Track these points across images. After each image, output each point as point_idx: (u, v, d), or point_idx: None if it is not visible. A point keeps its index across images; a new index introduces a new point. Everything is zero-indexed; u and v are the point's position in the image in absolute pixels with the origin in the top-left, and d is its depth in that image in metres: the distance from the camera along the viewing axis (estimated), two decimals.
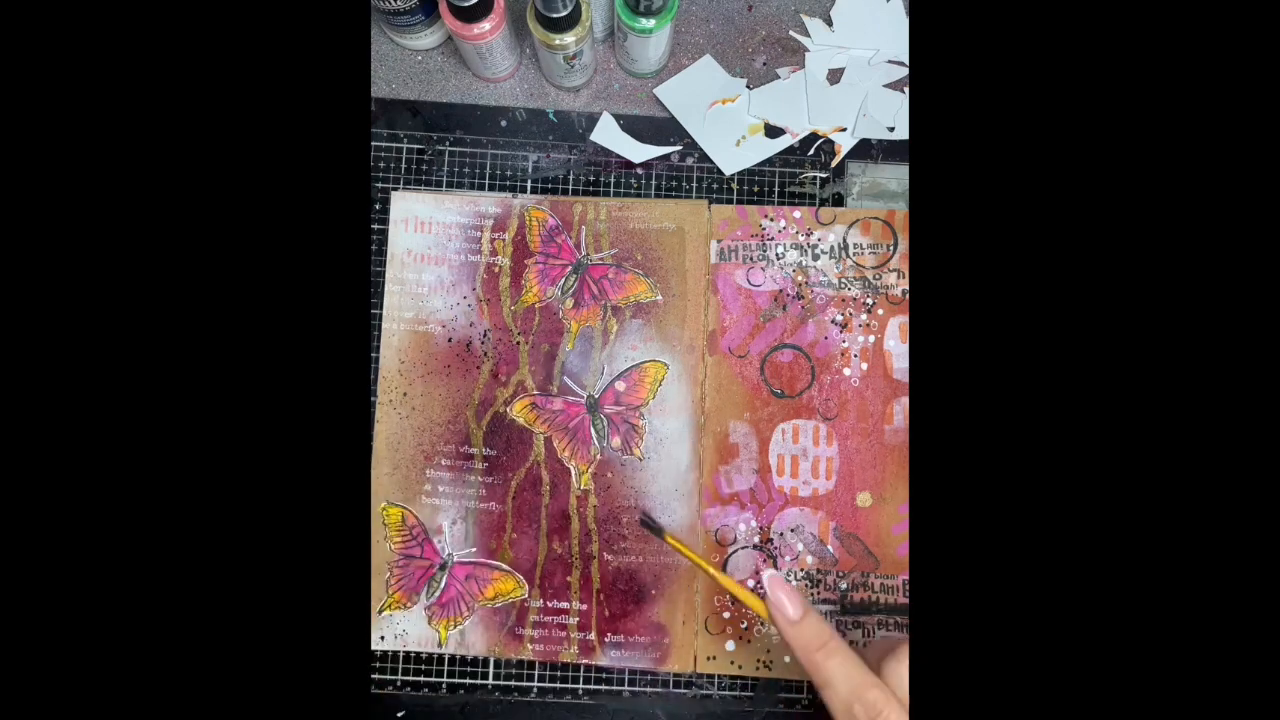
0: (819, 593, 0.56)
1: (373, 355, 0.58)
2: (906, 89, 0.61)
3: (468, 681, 0.57)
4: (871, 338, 0.58)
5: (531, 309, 0.59)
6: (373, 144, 0.60)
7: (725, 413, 0.58)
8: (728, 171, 0.60)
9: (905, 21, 0.61)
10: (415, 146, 0.61)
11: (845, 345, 0.58)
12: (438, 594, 0.57)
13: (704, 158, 0.60)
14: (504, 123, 0.61)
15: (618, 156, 0.61)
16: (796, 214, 0.59)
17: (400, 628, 0.56)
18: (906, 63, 0.61)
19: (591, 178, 0.60)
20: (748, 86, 0.61)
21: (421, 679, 0.57)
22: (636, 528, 0.57)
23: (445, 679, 0.57)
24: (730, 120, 0.60)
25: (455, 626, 0.56)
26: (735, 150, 0.60)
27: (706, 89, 0.61)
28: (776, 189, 0.60)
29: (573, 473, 0.57)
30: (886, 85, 0.61)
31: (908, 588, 0.57)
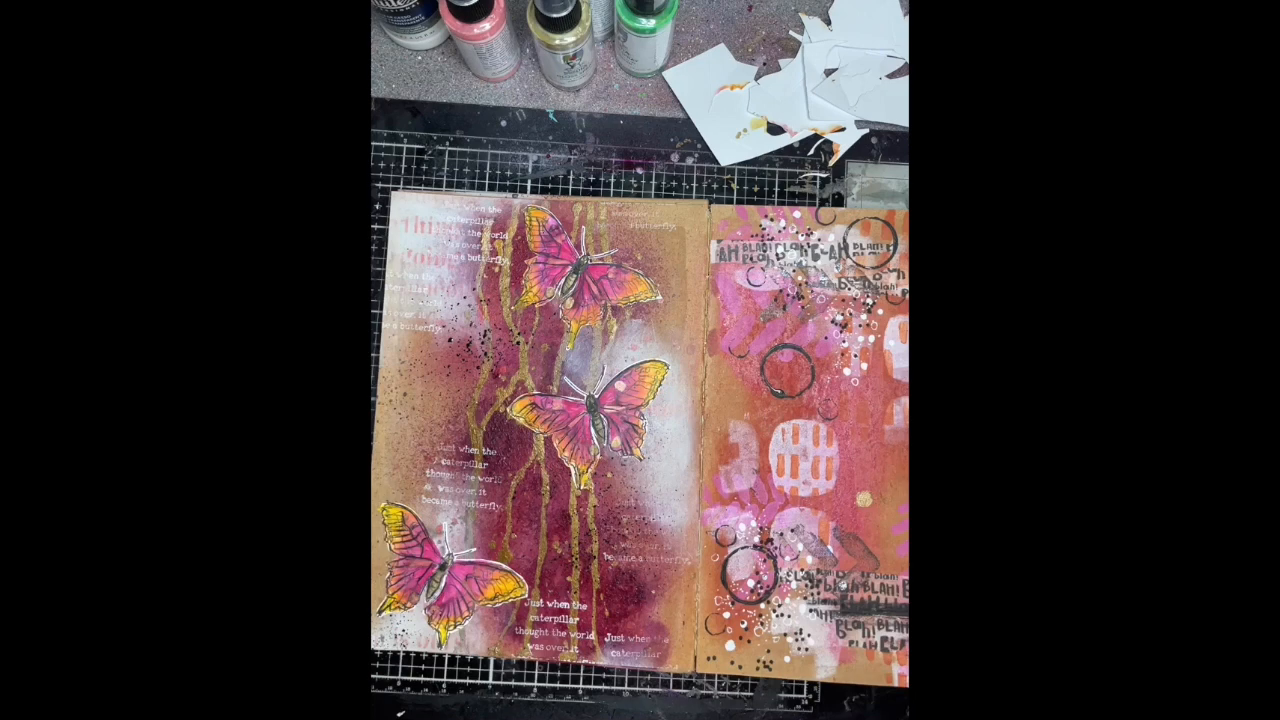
0: (819, 593, 0.56)
1: (373, 355, 0.58)
2: (904, 80, 0.61)
3: (468, 681, 0.57)
4: (871, 338, 0.58)
5: (531, 309, 0.59)
6: (373, 144, 0.60)
7: (725, 413, 0.58)
8: (724, 162, 0.60)
9: (902, 20, 0.61)
10: (415, 146, 0.61)
11: (845, 345, 0.58)
12: (438, 594, 0.57)
13: (704, 158, 0.60)
14: (504, 123, 0.61)
15: (618, 156, 0.61)
16: (796, 214, 0.59)
17: (400, 628, 0.56)
18: (904, 59, 0.61)
19: (591, 178, 0.60)
20: (756, 77, 0.61)
21: (421, 679, 0.57)
22: (636, 528, 0.57)
23: (445, 679, 0.57)
24: (734, 112, 0.61)
25: (455, 626, 0.56)
26: (735, 142, 0.60)
27: (716, 75, 0.61)
28: (776, 189, 0.60)
29: (573, 473, 0.57)
30: (884, 77, 0.61)
31: (908, 588, 0.57)
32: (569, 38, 0.54)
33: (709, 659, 0.56)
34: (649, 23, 0.54)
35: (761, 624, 0.56)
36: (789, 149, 0.61)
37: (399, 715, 0.56)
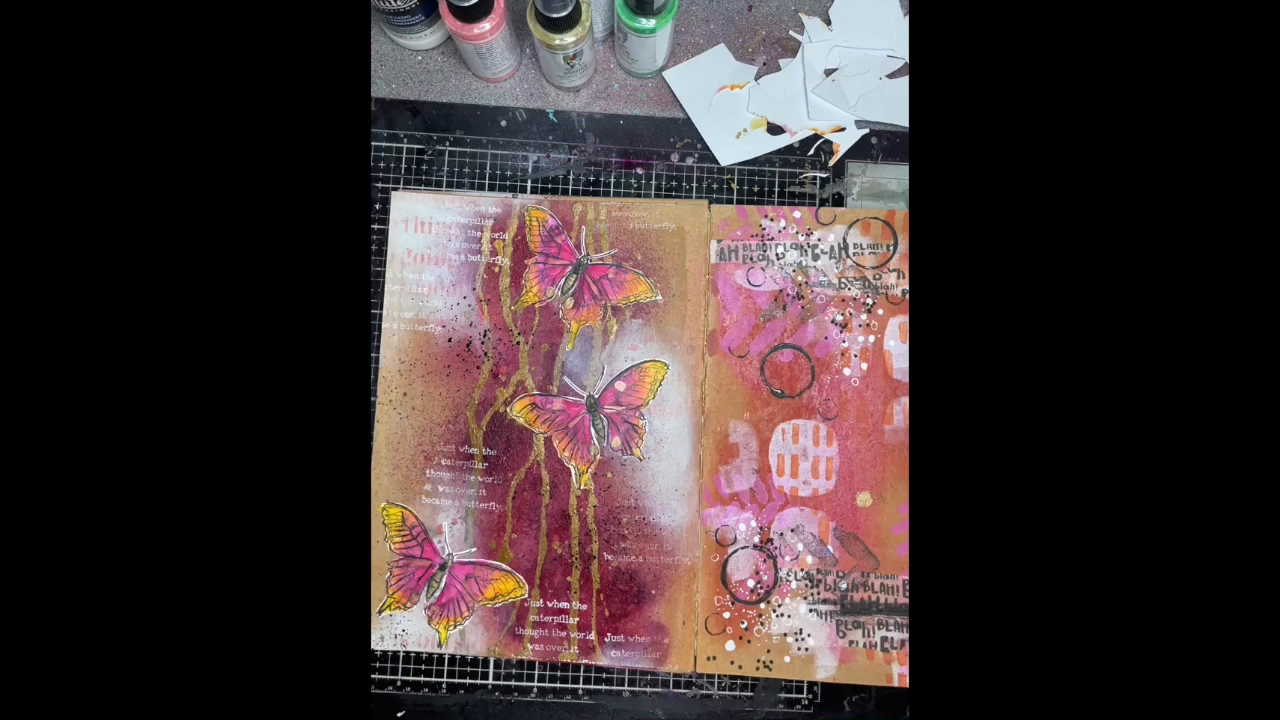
0: (819, 593, 0.56)
1: (373, 355, 0.58)
2: (904, 80, 0.61)
3: (468, 681, 0.57)
4: (871, 338, 0.58)
5: (531, 309, 0.59)
6: (373, 144, 0.60)
7: (725, 413, 0.58)
8: (724, 162, 0.60)
9: (902, 20, 0.61)
10: (415, 146, 0.61)
11: (845, 345, 0.58)
12: (438, 594, 0.57)
13: (704, 158, 0.61)
14: (504, 123, 0.61)
15: (618, 156, 0.61)
16: (796, 214, 0.59)
17: (400, 628, 0.56)
18: (904, 59, 0.61)
19: (591, 178, 0.60)
20: (756, 77, 0.61)
21: (421, 679, 0.57)
22: (636, 527, 0.57)
23: (445, 679, 0.57)
24: (734, 112, 0.61)
25: (455, 626, 0.56)
26: (735, 142, 0.60)
27: (716, 75, 0.61)
28: (776, 189, 0.60)
29: (573, 473, 0.57)
30: (884, 77, 0.61)
31: (908, 588, 0.57)
32: (569, 38, 0.54)
33: (709, 659, 0.56)
34: (649, 23, 0.54)
35: (761, 624, 0.56)
36: (789, 149, 0.61)
37: (399, 715, 0.56)
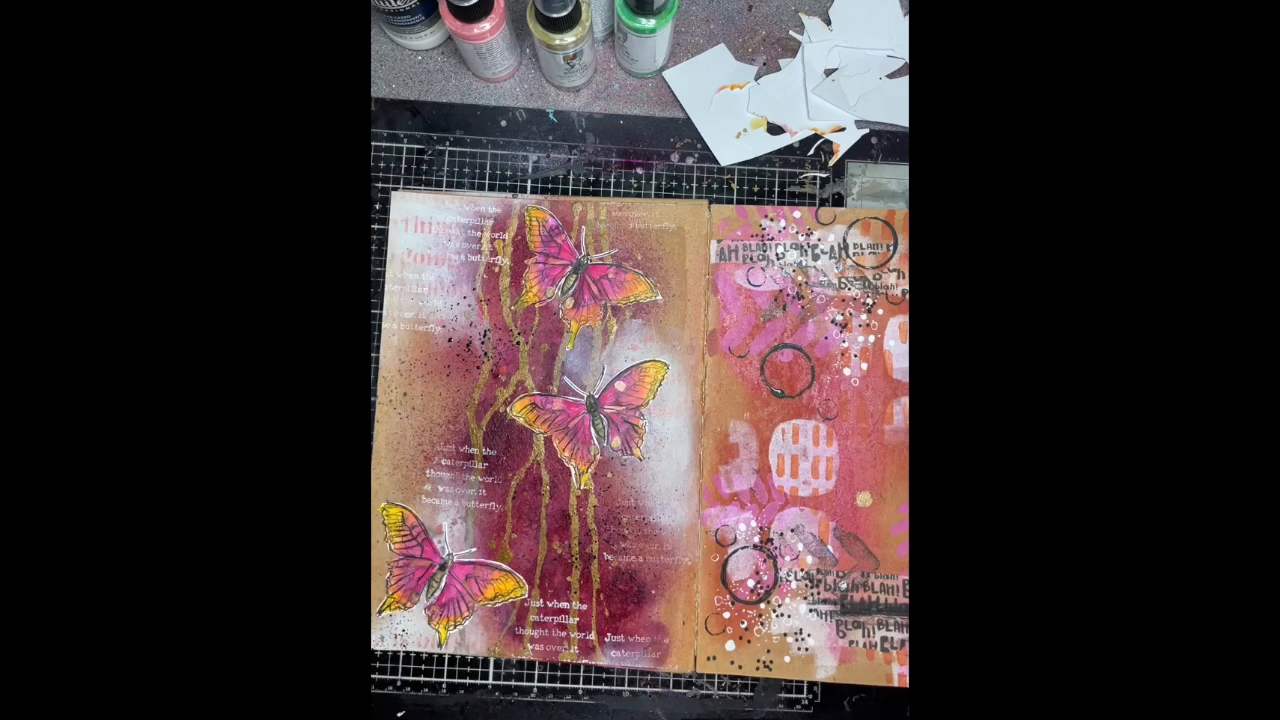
0: (819, 593, 0.56)
1: (373, 355, 0.58)
2: (904, 80, 0.61)
3: (468, 681, 0.57)
4: (871, 338, 0.58)
5: (531, 309, 0.59)
6: (373, 144, 0.60)
7: (725, 413, 0.58)
8: (724, 162, 0.60)
9: (902, 20, 0.61)
10: (415, 146, 0.61)
11: (845, 345, 0.58)
12: (438, 594, 0.57)
13: (704, 158, 0.61)
14: (504, 123, 0.61)
15: (618, 156, 0.61)
16: (796, 214, 0.59)
17: (400, 628, 0.56)
18: (904, 59, 0.61)
19: (591, 178, 0.60)
20: (756, 77, 0.61)
21: (421, 679, 0.57)
22: (636, 528, 0.57)
23: (445, 679, 0.57)
24: (734, 112, 0.61)
25: (455, 626, 0.56)
26: (735, 142, 0.60)
27: (716, 75, 0.61)
28: (776, 189, 0.60)
29: (573, 473, 0.57)
30: (884, 77, 0.61)
31: (908, 588, 0.57)
32: (569, 38, 0.54)
33: (709, 659, 0.56)
34: (649, 23, 0.54)
35: (761, 624, 0.56)
36: (789, 149, 0.61)
37: (399, 715, 0.56)
